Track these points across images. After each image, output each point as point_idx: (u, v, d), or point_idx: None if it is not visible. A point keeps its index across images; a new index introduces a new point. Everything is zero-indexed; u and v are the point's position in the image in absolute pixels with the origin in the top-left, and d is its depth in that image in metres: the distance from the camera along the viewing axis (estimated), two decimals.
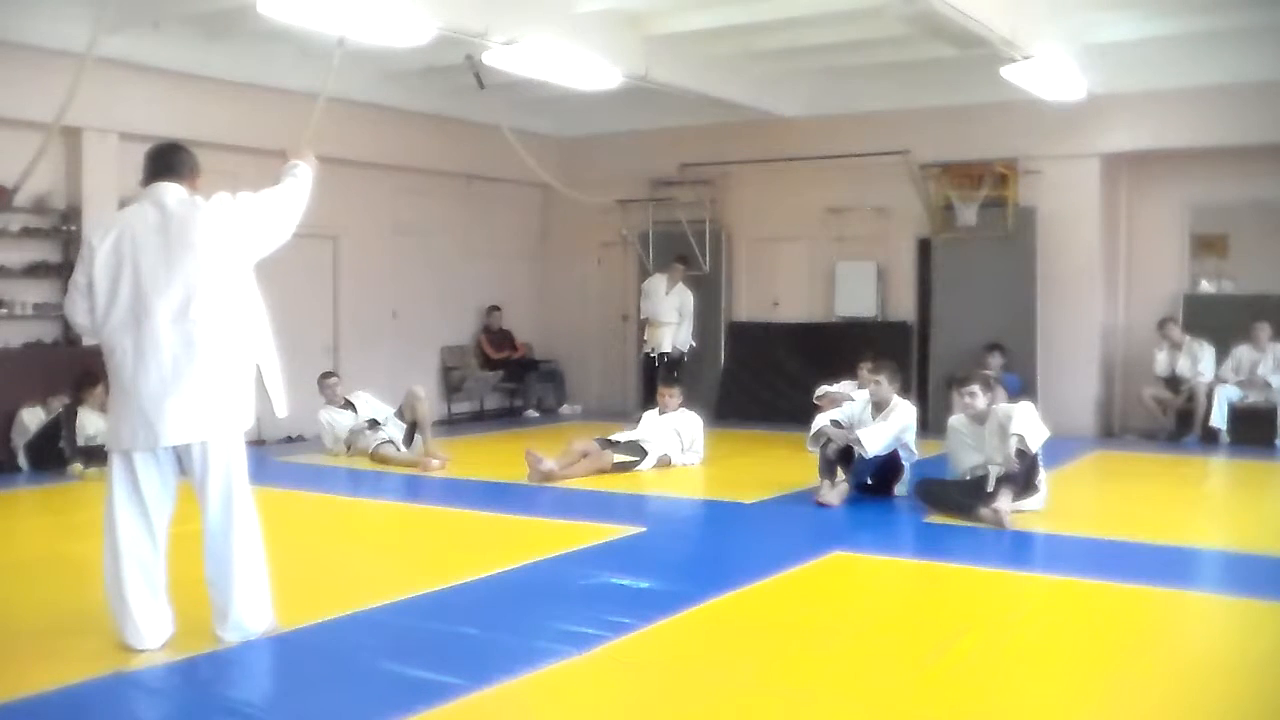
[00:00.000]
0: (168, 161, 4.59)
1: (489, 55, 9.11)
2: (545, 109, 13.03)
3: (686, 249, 13.17)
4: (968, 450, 7.41)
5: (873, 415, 7.74)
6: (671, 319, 12.53)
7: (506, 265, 14.34)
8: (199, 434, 4.38)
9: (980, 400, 7.32)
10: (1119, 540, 6.59)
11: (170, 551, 4.56)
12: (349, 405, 10.16)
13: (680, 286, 12.61)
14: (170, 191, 4.49)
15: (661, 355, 12.54)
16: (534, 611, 5.01)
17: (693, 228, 13.29)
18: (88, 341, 4.59)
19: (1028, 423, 7.03)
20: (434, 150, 12.80)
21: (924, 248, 12.40)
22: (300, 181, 4.74)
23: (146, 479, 4.43)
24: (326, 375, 10.44)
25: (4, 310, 9.42)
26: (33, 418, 9.20)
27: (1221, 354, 11.12)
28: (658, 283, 12.68)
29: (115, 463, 4.46)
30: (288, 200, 4.66)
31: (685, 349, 12.57)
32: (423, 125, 12.55)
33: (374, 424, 9.96)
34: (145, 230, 4.40)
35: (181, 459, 4.46)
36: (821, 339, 12.60)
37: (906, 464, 7.85)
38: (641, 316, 12.88)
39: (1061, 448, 9.20)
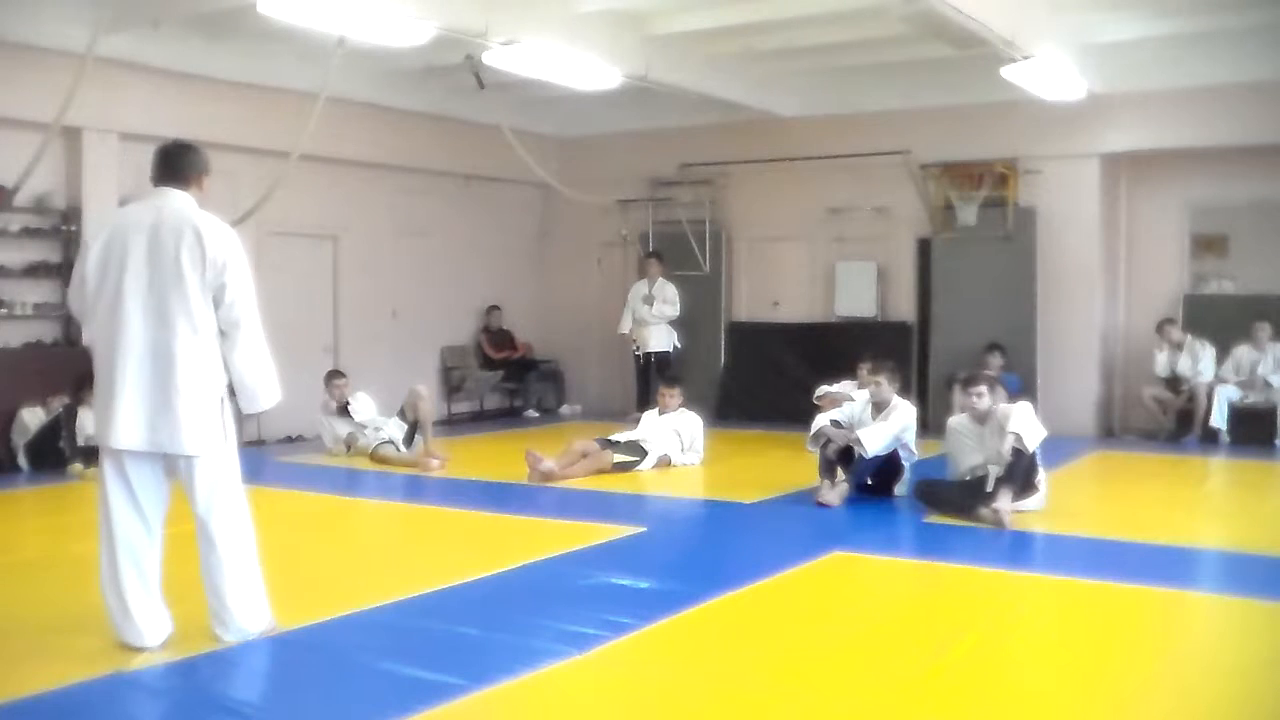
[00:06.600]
0: (175, 165, 4.55)
1: (489, 55, 9.10)
2: (545, 109, 13.02)
3: (686, 249, 13.18)
4: (968, 450, 7.41)
5: (873, 415, 7.74)
6: (655, 318, 12.56)
7: (506, 265, 14.33)
8: (166, 445, 4.34)
9: (986, 400, 7.32)
10: (1119, 540, 6.59)
11: (169, 551, 4.56)
12: (348, 407, 10.13)
13: (661, 282, 12.62)
14: (171, 199, 4.46)
15: (649, 355, 12.56)
16: (534, 611, 5.00)
17: (693, 228, 13.29)
18: (86, 340, 4.59)
19: (1025, 422, 7.04)
20: (434, 150, 12.80)
21: (924, 248, 12.40)
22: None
23: (138, 474, 4.42)
24: (335, 375, 10.34)
25: (4, 310, 9.42)
26: (33, 418, 9.20)
27: (1221, 354, 11.12)
28: (639, 286, 12.76)
29: (107, 459, 4.45)
30: (251, 343, 4.47)
31: (670, 348, 12.57)
32: (423, 125, 12.55)
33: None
34: (137, 233, 4.38)
35: (167, 460, 4.44)
36: (821, 339, 12.59)
37: (906, 464, 7.86)
38: (621, 330, 12.76)
39: (1061, 448, 9.20)
